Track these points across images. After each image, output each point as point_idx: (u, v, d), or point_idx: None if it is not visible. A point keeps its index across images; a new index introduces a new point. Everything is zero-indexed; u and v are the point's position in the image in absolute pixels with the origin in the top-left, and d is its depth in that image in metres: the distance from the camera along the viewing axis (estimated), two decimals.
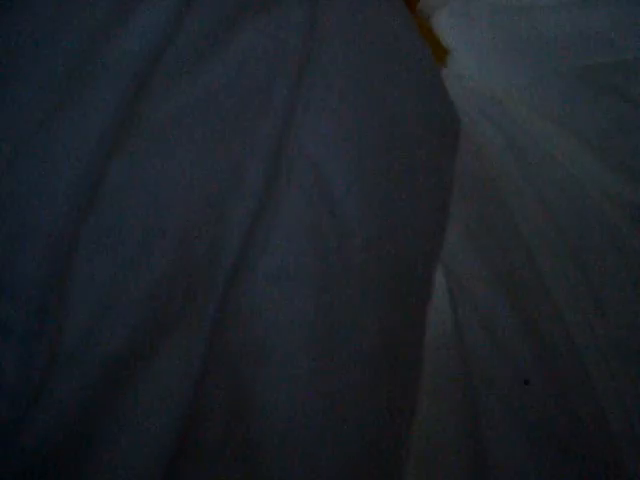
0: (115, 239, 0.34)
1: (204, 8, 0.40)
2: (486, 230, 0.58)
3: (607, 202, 0.64)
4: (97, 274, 0.33)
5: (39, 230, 0.33)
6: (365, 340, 0.38)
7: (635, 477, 0.50)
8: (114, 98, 0.36)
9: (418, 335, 0.42)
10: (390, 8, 0.47)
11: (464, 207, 0.58)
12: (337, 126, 0.40)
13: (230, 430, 0.34)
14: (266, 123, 0.39)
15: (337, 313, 0.37)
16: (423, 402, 0.43)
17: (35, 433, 0.30)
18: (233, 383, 0.35)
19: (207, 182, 0.37)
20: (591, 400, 0.50)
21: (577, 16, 0.61)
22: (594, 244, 0.61)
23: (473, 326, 0.51)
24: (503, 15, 0.65)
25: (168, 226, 0.35)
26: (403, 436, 0.39)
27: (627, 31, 0.59)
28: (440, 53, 0.69)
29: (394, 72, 0.44)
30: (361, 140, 0.41)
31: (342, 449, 0.36)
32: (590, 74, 0.62)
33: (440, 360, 0.50)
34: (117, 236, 0.34)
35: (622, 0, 0.59)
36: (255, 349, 0.35)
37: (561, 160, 0.65)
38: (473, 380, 0.50)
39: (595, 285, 0.56)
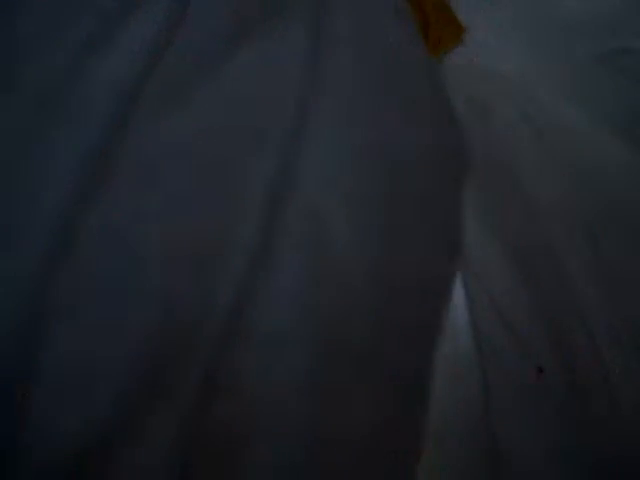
0: (90, 299, 0.30)
1: (197, 25, 0.36)
2: (502, 213, 0.57)
3: (631, 186, 0.63)
4: (69, 341, 0.30)
5: (6, 284, 0.29)
6: (366, 412, 0.34)
7: None
8: (95, 129, 0.32)
9: (426, 380, 0.38)
10: (398, 27, 0.42)
11: (479, 190, 0.57)
12: (341, 166, 0.36)
13: None
14: (264, 163, 0.35)
15: (337, 380, 0.34)
16: (435, 390, 0.40)
17: None
18: (219, 468, 0.31)
19: (196, 231, 0.33)
20: (607, 393, 0.50)
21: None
22: (613, 227, 0.60)
23: (489, 317, 0.50)
24: None
25: (150, 282, 0.31)
26: None
27: None
28: (457, 30, 0.67)
29: (402, 101, 0.40)
30: (367, 183, 0.37)
31: None
32: (618, 58, 0.60)
33: (453, 350, 0.50)
34: (92, 295, 0.31)
35: None
36: (245, 428, 0.32)
37: (582, 142, 0.64)
38: (488, 370, 0.50)
39: (613, 273, 0.55)
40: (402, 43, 0.42)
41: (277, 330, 0.33)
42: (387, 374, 0.36)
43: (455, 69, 0.70)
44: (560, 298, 0.52)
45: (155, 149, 0.33)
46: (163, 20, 0.35)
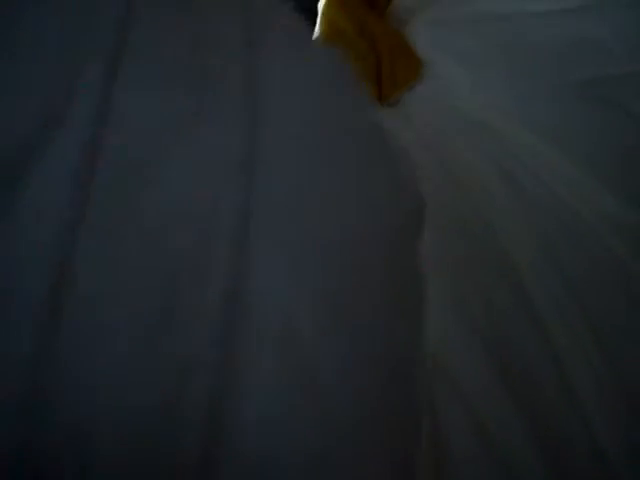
0: None
1: (125, 128, 0.33)
2: (475, 286, 0.50)
3: (605, 226, 0.57)
4: None
5: None
6: None
7: None
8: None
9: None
10: (343, 90, 0.40)
11: (450, 262, 0.51)
12: (294, 252, 0.33)
13: None
14: (215, 264, 0.31)
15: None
16: None
17: None
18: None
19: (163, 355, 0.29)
20: None
21: (571, 24, 0.54)
22: (593, 273, 0.54)
23: (464, 432, 0.42)
24: (488, 23, 0.58)
25: None
26: None
27: (629, 41, 0.52)
28: (415, 66, 0.62)
29: (346, 168, 0.37)
30: (322, 265, 0.34)
31: None
32: (588, 88, 0.55)
33: None
34: None
35: (621, 6, 0.52)
36: None
37: (554, 184, 0.58)
38: None
39: (600, 336, 0.49)
40: (345, 106, 0.40)
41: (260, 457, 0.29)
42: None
43: (417, 106, 0.65)
44: (552, 404, 0.44)
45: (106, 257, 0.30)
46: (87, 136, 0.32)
